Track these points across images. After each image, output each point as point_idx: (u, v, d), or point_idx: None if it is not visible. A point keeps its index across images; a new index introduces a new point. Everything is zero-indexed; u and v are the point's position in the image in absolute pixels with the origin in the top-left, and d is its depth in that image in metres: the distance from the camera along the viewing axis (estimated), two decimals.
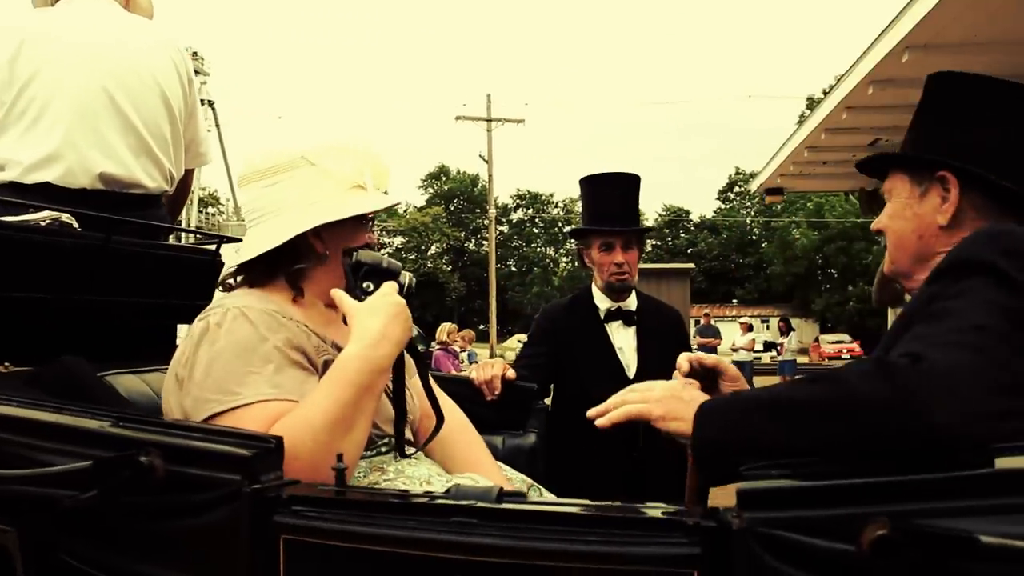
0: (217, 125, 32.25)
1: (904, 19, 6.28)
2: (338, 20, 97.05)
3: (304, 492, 1.10)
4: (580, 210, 3.11)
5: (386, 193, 1.58)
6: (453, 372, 9.81)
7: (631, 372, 2.72)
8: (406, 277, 1.50)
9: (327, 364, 1.41)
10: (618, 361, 2.75)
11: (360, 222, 1.55)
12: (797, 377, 1.12)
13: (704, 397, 1.28)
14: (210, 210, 38.49)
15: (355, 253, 1.49)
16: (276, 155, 1.49)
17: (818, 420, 1.05)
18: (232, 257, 1.67)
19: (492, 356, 30.78)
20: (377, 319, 1.35)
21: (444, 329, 10.88)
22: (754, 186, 14.84)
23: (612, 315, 2.83)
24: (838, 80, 8.51)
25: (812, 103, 35.97)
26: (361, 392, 1.30)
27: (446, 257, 61.63)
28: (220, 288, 1.60)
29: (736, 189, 59.82)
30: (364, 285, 1.45)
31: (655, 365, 2.55)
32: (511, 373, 2.36)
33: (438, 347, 10.52)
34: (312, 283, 1.54)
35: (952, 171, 1.33)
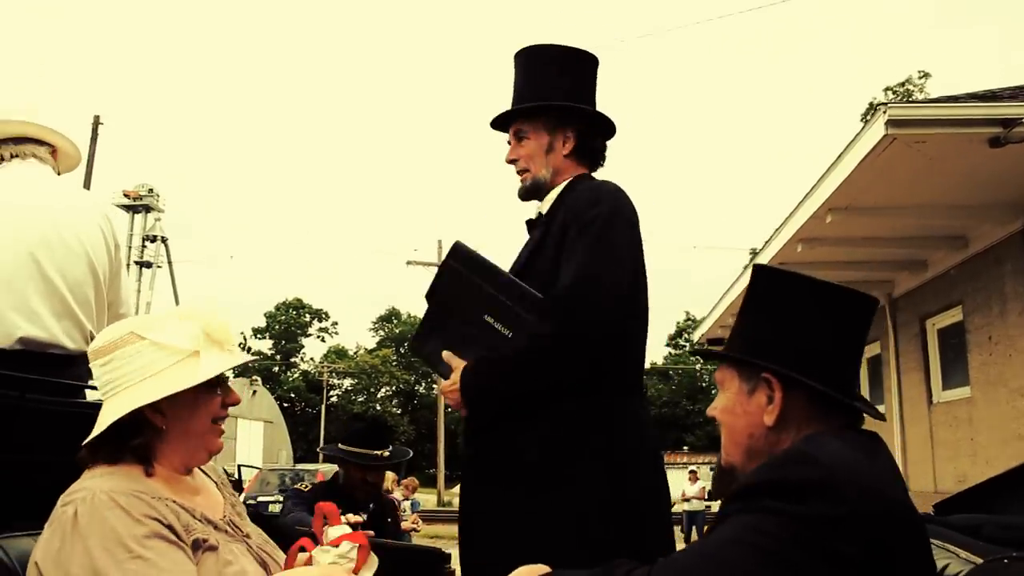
0: (170, 263, 32.24)
1: (824, 184, 6.74)
2: (291, 162, 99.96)
3: None
4: None
5: (244, 347, 1.56)
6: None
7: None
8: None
9: (197, 543, 1.38)
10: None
11: (208, 388, 1.51)
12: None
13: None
14: None
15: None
16: (108, 334, 1.48)
17: None
18: None
19: (440, 503, 29.85)
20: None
21: (387, 478, 10.59)
22: (696, 336, 15.18)
23: (533, 225, 2.19)
24: (770, 238, 8.97)
25: (755, 254, 37.29)
26: None
27: (396, 400, 60.84)
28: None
29: (685, 336, 61.03)
30: None
31: (533, 285, 1.91)
32: None
33: None
34: (163, 457, 1.49)
35: (775, 375, 1.34)
